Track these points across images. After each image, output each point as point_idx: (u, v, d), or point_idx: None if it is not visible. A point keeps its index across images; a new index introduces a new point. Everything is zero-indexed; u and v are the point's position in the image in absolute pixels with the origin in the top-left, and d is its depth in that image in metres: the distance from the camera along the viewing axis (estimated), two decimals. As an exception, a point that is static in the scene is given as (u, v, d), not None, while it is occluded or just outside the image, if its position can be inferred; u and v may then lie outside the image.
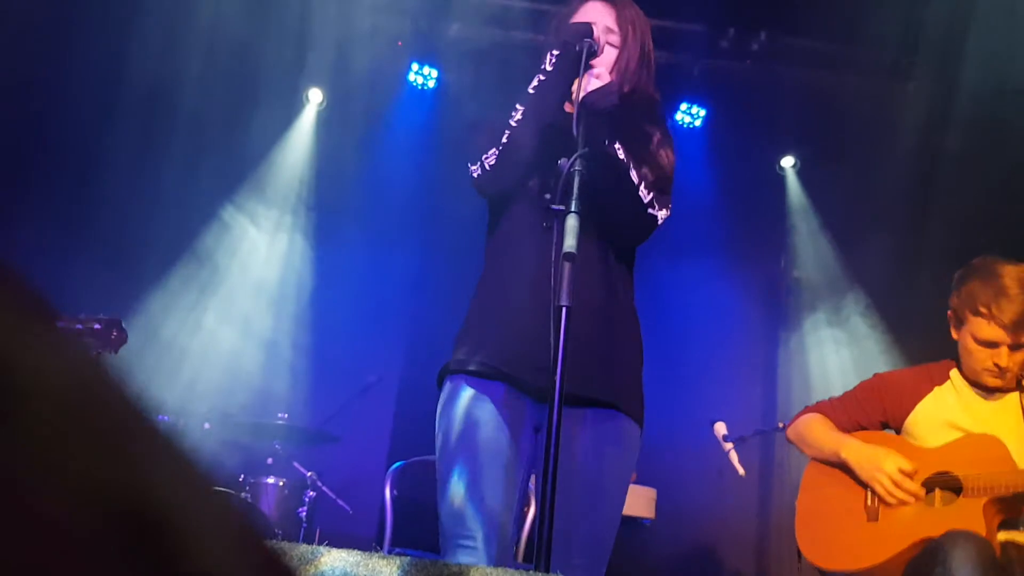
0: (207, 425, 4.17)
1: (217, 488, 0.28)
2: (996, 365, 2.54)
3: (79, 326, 2.35)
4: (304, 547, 1.21)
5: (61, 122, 4.88)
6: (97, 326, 2.36)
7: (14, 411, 0.21)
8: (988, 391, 2.64)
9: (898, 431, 2.72)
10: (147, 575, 0.21)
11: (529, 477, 2.03)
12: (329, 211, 5.47)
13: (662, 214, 2.02)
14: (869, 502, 2.60)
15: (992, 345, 2.55)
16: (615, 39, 2.06)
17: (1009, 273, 2.55)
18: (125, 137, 4.93)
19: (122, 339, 2.41)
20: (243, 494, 3.96)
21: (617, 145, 1.97)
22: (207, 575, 0.23)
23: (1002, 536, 2.46)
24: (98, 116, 4.92)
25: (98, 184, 4.97)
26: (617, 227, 2.02)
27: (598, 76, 1.97)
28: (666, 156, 2.06)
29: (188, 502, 0.23)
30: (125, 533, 0.21)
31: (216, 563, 0.23)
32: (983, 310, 2.54)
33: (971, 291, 2.58)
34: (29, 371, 0.22)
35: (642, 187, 1.98)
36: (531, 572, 1.45)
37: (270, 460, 4.25)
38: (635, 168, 1.97)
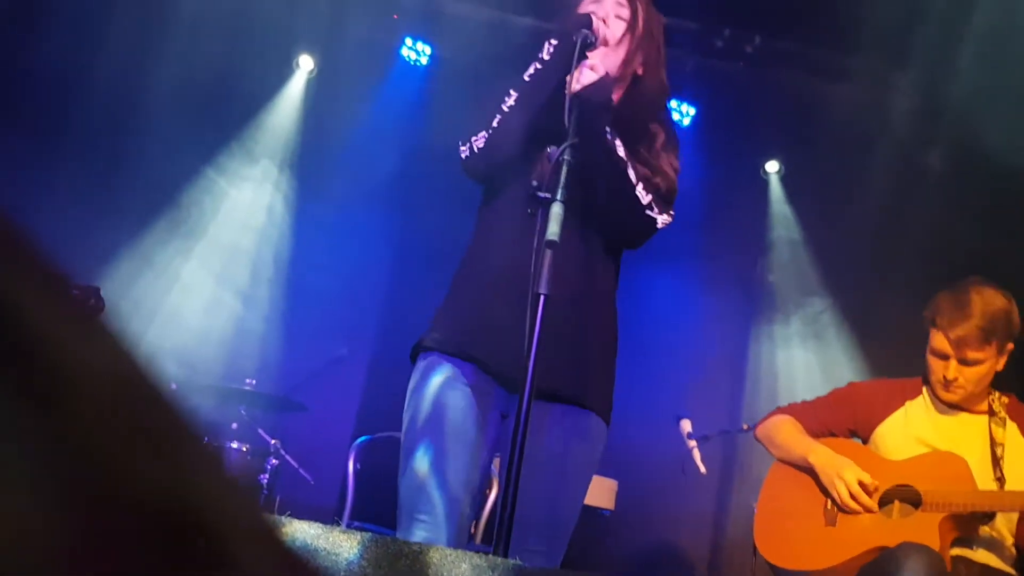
0: (173, 386, 4.14)
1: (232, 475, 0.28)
2: (944, 377, 2.59)
3: None
4: (265, 516, 1.20)
5: (40, 78, 4.79)
6: (74, 292, 2.32)
7: (61, 408, 0.20)
8: (956, 408, 2.68)
9: (865, 441, 2.77)
10: (184, 566, 0.21)
11: (492, 459, 2.04)
12: (312, 181, 5.43)
13: (662, 219, 2.00)
14: (829, 507, 2.64)
15: (943, 356, 2.60)
16: (624, 12, 2.05)
17: (979, 293, 2.59)
18: (106, 92, 4.85)
19: (99, 308, 2.38)
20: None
21: (617, 141, 1.96)
22: (237, 564, 0.23)
23: (955, 551, 2.51)
24: (78, 68, 4.84)
25: (76, 138, 4.90)
26: (613, 226, 2.01)
27: (592, 68, 1.95)
28: (668, 161, 2.05)
29: (219, 492, 0.23)
30: (162, 525, 0.21)
31: (250, 557, 0.23)
32: (940, 321, 2.59)
33: (938, 303, 2.63)
34: (74, 365, 0.21)
35: (640, 187, 1.97)
36: (489, 555, 1.46)
37: (235, 425, 4.24)
38: (633, 167, 1.97)
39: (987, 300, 2.57)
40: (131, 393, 0.23)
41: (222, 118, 5.28)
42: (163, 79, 4.92)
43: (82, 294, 2.37)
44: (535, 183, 1.90)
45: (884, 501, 2.61)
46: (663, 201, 2.01)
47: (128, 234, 4.97)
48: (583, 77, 1.93)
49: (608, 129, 1.95)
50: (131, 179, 4.95)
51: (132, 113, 4.93)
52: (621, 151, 1.96)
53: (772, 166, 5.81)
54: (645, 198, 1.97)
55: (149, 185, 5.01)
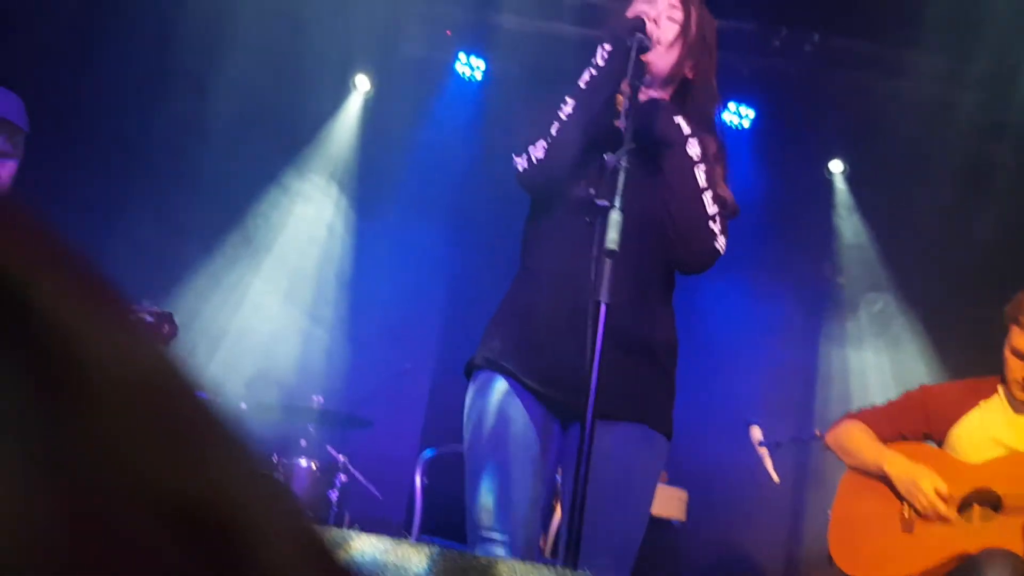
0: (243, 405, 4.22)
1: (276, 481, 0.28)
2: None
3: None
4: (335, 531, 1.21)
5: (107, 104, 4.95)
6: (148, 319, 2.36)
7: (87, 406, 0.20)
8: None
9: (940, 444, 2.67)
10: (216, 572, 0.21)
11: (556, 471, 2.03)
12: (371, 198, 5.50)
13: (721, 241, 1.92)
14: (906, 514, 2.56)
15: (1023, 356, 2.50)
16: (677, 15, 2.01)
17: None
18: (170, 119, 4.99)
19: (173, 333, 2.41)
20: (275, 475, 4.01)
21: (687, 129, 1.92)
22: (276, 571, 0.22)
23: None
24: (144, 99, 4.99)
25: (141, 167, 5.05)
26: (674, 241, 1.92)
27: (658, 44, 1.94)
28: (721, 171, 2.01)
29: (256, 498, 0.23)
30: (195, 532, 0.21)
31: (284, 561, 0.23)
32: (1022, 319, 2.49)
33: (1020, 300, 2.54)
34: (103, 364, 0.21)
35: (708, 195, 1.90)
36: (559, 568, 1.45)
37: (303, 442, 4.30)
38: (707, 174, 1.90)
39: None
40: (159, 392, 0.23)
41: (284, 139, 5.39)
42: (225, 102, 5.04)
43: (156, 320, 2.41)
44: (592, 191, 1.88)
45: (963, 506, 2.52)
46: (725, 218, 1.95)
47: (197, 255, 5.10)
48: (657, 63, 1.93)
49: (687, 134, 1.92)
50: (198, 201, 5.08)
51: (198, 138, 5.06)
52: (695, 149, 1.92)
53: (836, 166, 5.68)
54: (711, 208, 1.91)
55: (216, 206, 5.14)
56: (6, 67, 4.51)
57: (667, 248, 1.95)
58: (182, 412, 0.23)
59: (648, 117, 1.92)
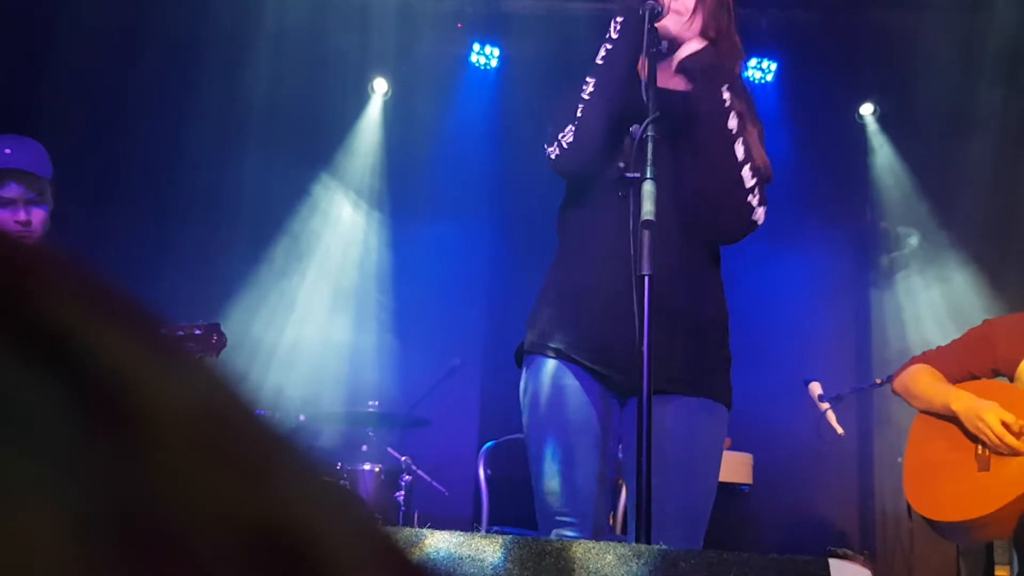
0: (302, 417, 4.28)
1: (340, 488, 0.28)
2: None
3: (180, 332, 2.41)
4: (408, 530, 1.22)
5: (140, 128, 5.04)
6: (197, 331, 2.42)
7: (149, 441, 0.20)
8: None
9: (1011, 379, 2.62)
10: None
11: (618, 448, 2.02)
12: (402, 199, 5.52)
13: (760, 211, 1.88)
14: (980, 452, 2.52)
15: None
16: None
17: None
18: (200, 139, 5.06)
19: (222, 343, 2.46)
20: (341, 482, 4.05)
21: (732, 112, 1.88)
22: None
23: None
24: (173, 120, 5.07)
25: (181, 189, 5.13)
26: (709, 210, 1.89)
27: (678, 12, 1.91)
28: (757, 133, 1.98)
29: (327, 513, 0.23)
30: (271, 556, 0.20)
31: (360, 572, 0.23)
32: None
33: None
34: (156, 394, 0.21)
35: (747, 168, 1.87)
36: (633, 545, 1.44)
37: (364, 447, 4.34)
38: (745, 144, 1.87)
39: None
40: (217, 417, 0.23)
41: (311, 150, 5.44)
42: (252, 118, 5.13)
43: (204, 331, 2.46)
44: (621, 164, 1.87)
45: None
46: (763, 186, 1.92)
47: (243, 271, 5.18)
48: (685, 48, 1.91)
49: (727, 96, 1.88)
50: (239, 218, 5.15)
51: (229, 156, 5.14)
52: (733, 122, 1.89)
53: (867, 108, 5.56)
54: (749, 181, 1.87)
55: (255, 221, 5.21)
56: (35, 97, 4.64)
57: (704, 221, 1.93)
58: (244, 434, 0.23)
59: (700, 87, 1.89)
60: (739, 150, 1.87)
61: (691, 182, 1.90)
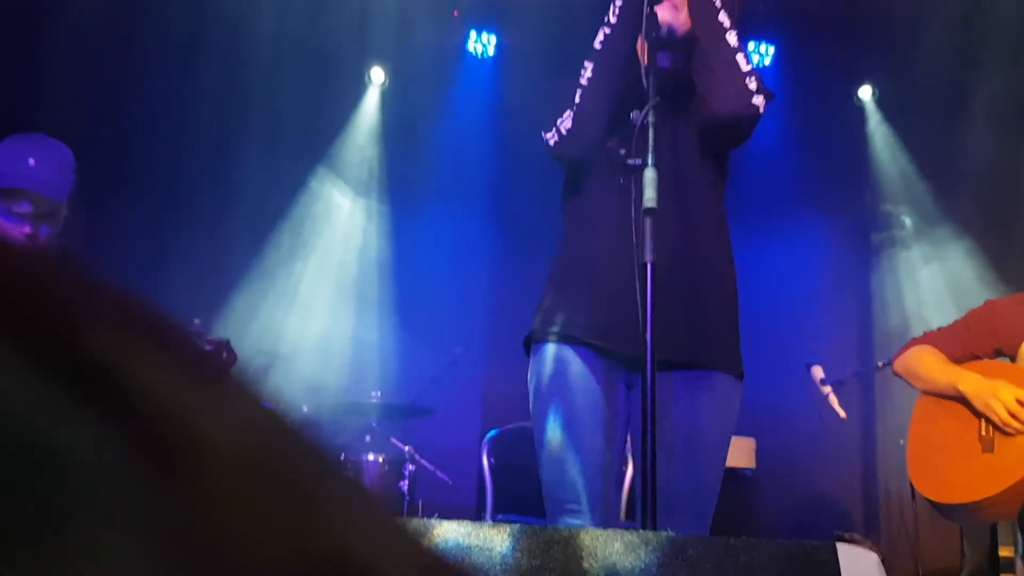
0: (305, 408, 4.28)
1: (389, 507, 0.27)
2: None
3: None
4: (416, 521, 1.22)
5: (138, 121, 5.03)
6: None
7: (199, 478, 0.19)
8: None
9: (1013, 359, 2.61)
10: None
11: (626, 434, 2.02)
12: (402, 189, 5.51)
13: (761, 97, 1.88)
14: (984, 432, 2.51)
15: None
16: None
17: None
18: (199, 131, 5.05)
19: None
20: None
21: (727, 23, 1.89)
22: None
23: None
24: (171, 113, 5.06)
25: (182, 186, 5.12)
26: (713, 109, 1.90)
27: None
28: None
29: (379, 540, 0.22)
30: None
31: None
32: None
33: None
34: (204, 427, 0.20)
35: (741, 56, 1.88)
36: (640, 531, 1.44)
37: (368, 437, 4.34)
38: (739, 39, 1.89)
39: None
40: (266, 444, 0.22)
41: (309, 142, 5.43)
42: (250, 111, 5.12)
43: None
44: (623, 151, 1.86)
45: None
46: (759, 77, 1.92)
47: (246, 266, 5.18)
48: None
49: (723, 19, 1.89)
50: (240, 213, 5.15)
51: (227, 153, 5.13)
52: (724, 18, 1.89)
53: (865, 92, 5.55)
54: (746, 66, 1.88)
55: (256, 216, 5.20)
56: (35, 93, 4.62)
57: (705, 117, 1.93)
58: (291, 456, 0.22)
59: (698, 19, 1.88)
60: (741, 60, 1.89)
61: (690, 158, 1.90)
